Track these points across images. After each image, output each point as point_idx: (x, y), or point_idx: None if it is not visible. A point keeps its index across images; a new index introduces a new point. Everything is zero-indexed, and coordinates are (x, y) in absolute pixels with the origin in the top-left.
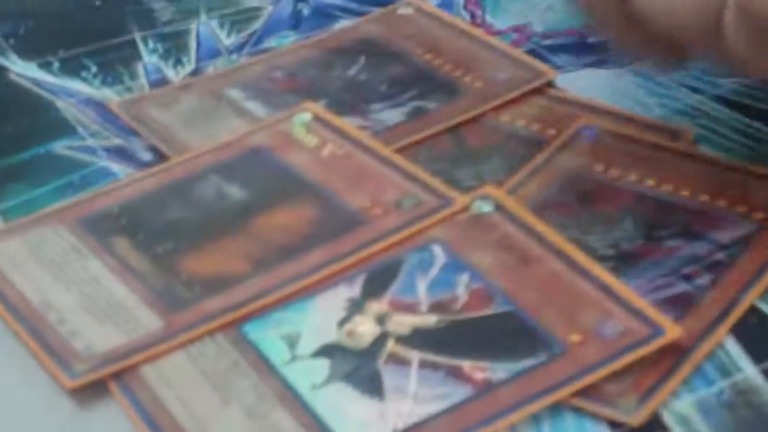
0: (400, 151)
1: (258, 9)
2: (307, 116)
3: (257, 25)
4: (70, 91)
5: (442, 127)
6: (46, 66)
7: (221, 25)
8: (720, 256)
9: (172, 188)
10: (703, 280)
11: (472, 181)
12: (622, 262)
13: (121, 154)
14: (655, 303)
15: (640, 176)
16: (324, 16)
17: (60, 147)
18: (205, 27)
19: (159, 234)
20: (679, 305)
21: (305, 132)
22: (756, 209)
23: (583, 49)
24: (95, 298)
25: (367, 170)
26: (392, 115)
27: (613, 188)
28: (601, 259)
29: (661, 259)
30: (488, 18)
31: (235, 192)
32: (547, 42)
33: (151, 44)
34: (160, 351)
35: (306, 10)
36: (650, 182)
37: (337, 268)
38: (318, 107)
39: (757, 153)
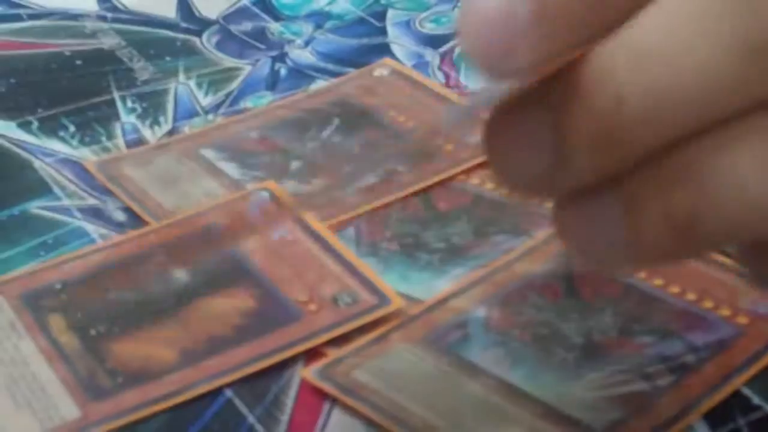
0: (369, 213)
1: (236, 69)
2: (266, 195)
3: (234, 85)
4: (48, 151)
5: (411, 190)
6: (25, 125)
7: (199, 85)
8: (689, 358)
9: (118, 266)
10: (664, 381)
11: (440, 243)
12: (588, 352)
13: (95, 214)
14: (607, 398)
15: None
16: (300, 76)
17: (35, 207)
18: (183, 87)
19: (95, 315)
20: (631, 404)
21: (259, 213)
22: (740, 314)
23: None
24: (19, 381)
25: (311, 260)
26: (364, 178)
27: (603, 276)
28: (568, 348)
29: (628, 354)
30: (462, 79)
31: (179, 274)
32: None
33: (129, 104)
34: None
35: (283, 71)
36: (641, 274)
37: (261, 366)
38: (278, 187)
39: None
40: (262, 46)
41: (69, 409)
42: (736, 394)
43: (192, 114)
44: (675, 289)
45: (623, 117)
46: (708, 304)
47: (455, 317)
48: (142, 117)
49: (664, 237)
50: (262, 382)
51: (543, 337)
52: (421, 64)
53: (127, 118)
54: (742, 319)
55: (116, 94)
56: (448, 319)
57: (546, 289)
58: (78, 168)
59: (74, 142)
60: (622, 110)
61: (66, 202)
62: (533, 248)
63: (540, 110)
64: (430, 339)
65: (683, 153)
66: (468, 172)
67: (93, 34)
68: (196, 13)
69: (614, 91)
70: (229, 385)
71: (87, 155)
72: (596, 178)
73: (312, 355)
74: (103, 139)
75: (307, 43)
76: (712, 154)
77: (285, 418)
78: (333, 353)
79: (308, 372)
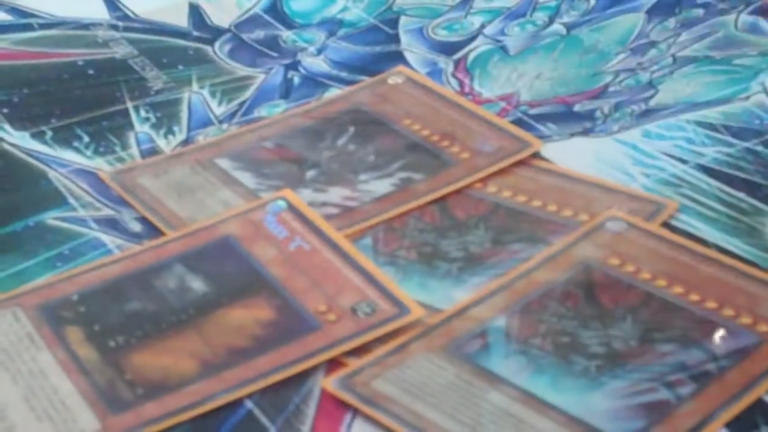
0: (387, 222)
1: (249, 78)
2: (282, 204)
3: (248, 94)
4: (62, 162)
5: (428, 199)
6: (39, 136)
7: (213, 94)
8: (710, 366)
9: (136, 277)
10: (686, 389)
11: (458, 251)
12: (610, 361)
13: (111, 224)
14: (630, 407)
15: (653, 275)
16: (314, 84)
17: (50, 218)
18: (197, 96)
19: (114, 326)
20: (653, 413)
21: (276, 222)
22: (762, 321)
23: (570, 118)
24: (39, 394)
25: (329, 269)
26: (380, 186)
27: (623, 285)
28: (590, 356)
29: (650, 363)
30: (476, 86)
31: (197, 285)
32: (534, 111)
33: (143, 113)
34: None
35: (297, 79)
36: (662, 282)
37: (281, 376)
38: (294, 196)
39: (740, 224)
40: (275, 54)
41: (89, 421)
42: (759, 403)
43: (206, 123)
44: (695, 297)
45: None
46: (729, 312)
47: (475, 326)
48: (156, 126)
49: None
50: (282, 392)
51: (564, 345)
52: (435, 72)
53: (141, 128)
54: (763, 327)
55: (129, 104)
56: (468, 329)
57: (566, 297)
58: (93, 178)
59: (88, 152)
60: None
61: (81, 212)
62: (551, 256)
63: None
64: (450, 348)
65: None
66: (484, 180)
67: (105, 44)
68: (208, 22)
69: None
70: (249, 395)
71: (101, 165)
72: None
73: (332, 365)
74: (118, 149)
75: (319, 51)
76: None
77: (306, 428)
78: (353, 363)
79: (329, 382)
